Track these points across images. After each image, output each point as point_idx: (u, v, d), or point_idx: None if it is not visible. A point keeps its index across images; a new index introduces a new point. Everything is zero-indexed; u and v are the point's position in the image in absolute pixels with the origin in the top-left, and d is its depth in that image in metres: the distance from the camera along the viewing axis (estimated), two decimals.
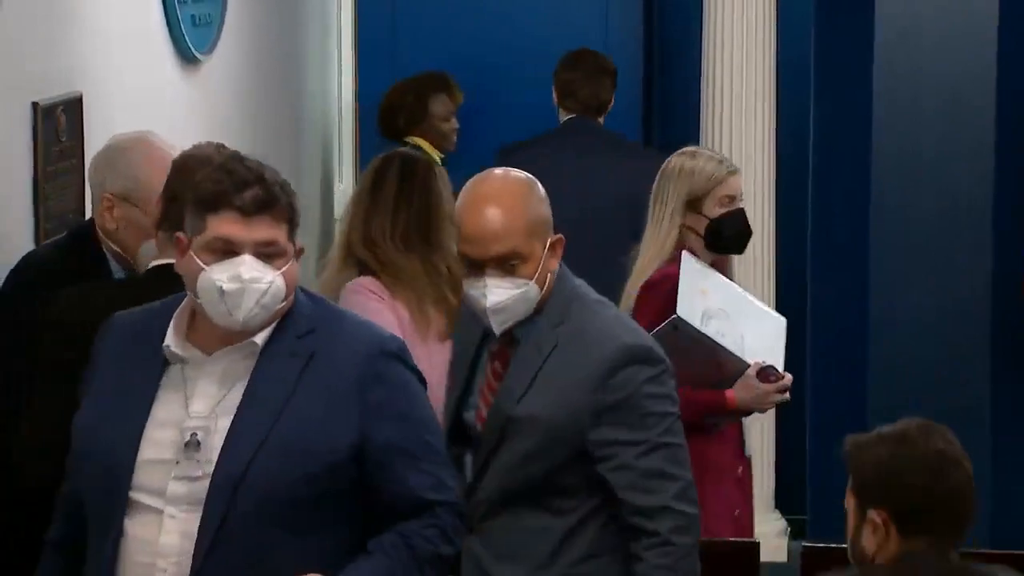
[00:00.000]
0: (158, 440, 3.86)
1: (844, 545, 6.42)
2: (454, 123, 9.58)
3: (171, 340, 3.91)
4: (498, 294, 4.80)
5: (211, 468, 3.83)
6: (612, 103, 9.18)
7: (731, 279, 6.91)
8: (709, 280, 6.73)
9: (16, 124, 6.19)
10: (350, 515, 4.02)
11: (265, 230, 3.83)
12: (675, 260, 6.75)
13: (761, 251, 9.13)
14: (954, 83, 9.06)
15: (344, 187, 9.95)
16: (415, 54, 10.22)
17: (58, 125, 6.43)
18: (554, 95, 9.21)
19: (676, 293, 6.52)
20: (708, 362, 6.59)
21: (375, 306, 6.61)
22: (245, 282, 3.77)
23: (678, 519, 4.94)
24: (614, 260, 8.35)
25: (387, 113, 9.59)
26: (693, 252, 6.68)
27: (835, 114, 9.49)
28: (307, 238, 9.24)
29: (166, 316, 4.02)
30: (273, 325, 3.93)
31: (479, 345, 5.19)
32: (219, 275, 3.78)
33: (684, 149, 7.06)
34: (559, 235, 4.94)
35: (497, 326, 4.84)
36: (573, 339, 4.88)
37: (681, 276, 6.59)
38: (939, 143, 9.03)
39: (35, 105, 6.26)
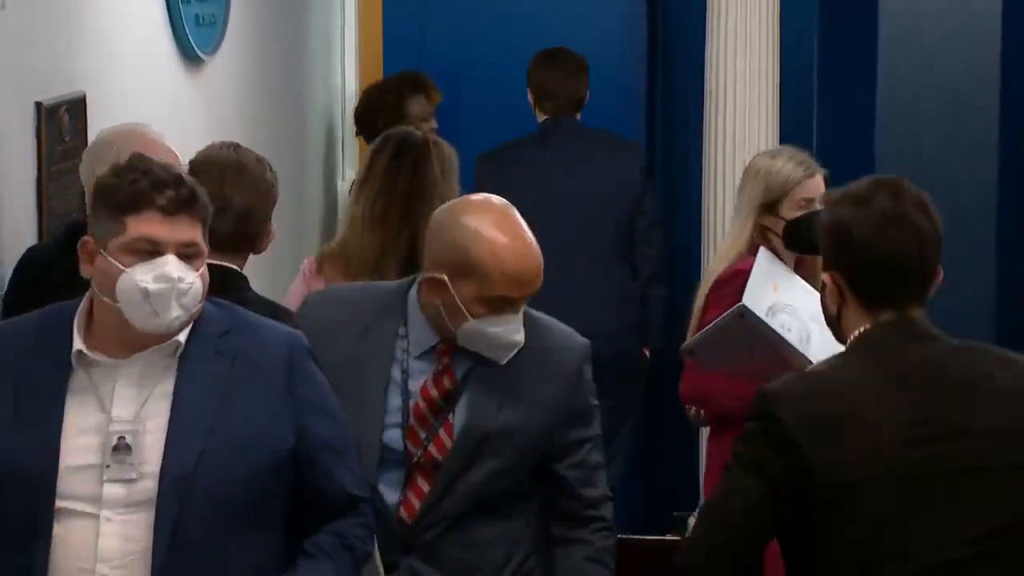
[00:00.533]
0: (80, 446, 3.77)
1: None
2: (432, 123, 9.43)
3: (81, 345, 3.81)
4: (520, 329, 4.76)
5: (148, 469, 3.75)
6: (587, 98, 9.15)
7: (815, 280, 6.63)
8: (782, 278, 6.60)
9: (19, 124, 6.20)
10: (287, 514, 3.97)
11: (186, 230, 3.77)
12: (747, 258, 6.64)
13: None
14: (956, 84, 9.23)
15: (346, 184, 9.76)
16: (442, 51, 10.19)
17: (61, 125, 6.42)
18: (530, 96, 9.20)
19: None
20: (769, 355, 6.31)
21: (294, 285, 6.84)
22: (173, 281, 3.69)
23: (611, 503, 5.11)
24: (602, 257, 8.31)
25: (365, 114, 9.54)
26: (776, 252, 6.61)
27: (838, 117, 9.51)
28: (310, 234, 9.28)
29: (56, 324, 3.91)
30: (188, 329, 3.84)
31: (388, 367, 5.04)
32: (142, 276, 3.68)
33: (768, 149, 7.03)
34: None
35: (504, 358, 4.77)
36: (531, 348, 4.81)
37: (754, 269, 6.47)
38: (941, 145, 9.18)
39: (39, 105, 6.27)
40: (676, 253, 9.37)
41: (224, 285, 5.01)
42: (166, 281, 3.66)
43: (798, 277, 6.62)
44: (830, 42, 9.53)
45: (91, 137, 6.42)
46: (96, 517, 3.68)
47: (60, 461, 3.75)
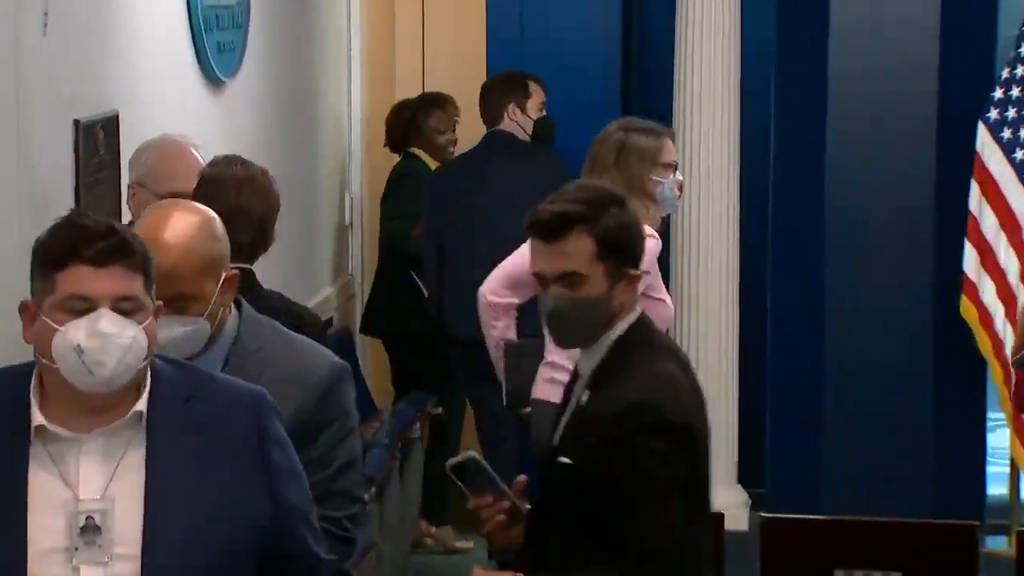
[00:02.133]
0: (46, 527, 3.37)
1: (800, 516, 6.68)
2: (451, 136, 9.65)
3: (41, 419, 3.39)
4: (169, 328, 4.08)
5: (123, 551, 3.35)
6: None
7: None
8: None
9: (60, 139, 6.16)
10: None
11: (120, 281, 3.33)
12: None
13: (726, 248, 9.32)
14: (898, 102, 9.26)
15: (353, 196, 10.08)
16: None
17: (96, 140, 6.41)
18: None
19: None
20: None
21: None
22: (106, 336, 3.29)
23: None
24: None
25: (389, 128, 9.75)
26: None
27: (792, 129, 9.59)
28: (320, 240, 9.46)
29: (9, 394, 3.51)
30: (146, 395, 3.43)
31: None
32: (74, 333, 3.29)
33: None
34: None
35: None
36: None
37: None
38: (887, 157, 9.25)
39: (76, 123, 6.24)
40: None
41: (242, 288, 5.02)
42: (99, 337, 3.29)
43: None
44: (785, 67, 9.57)
45: (123, 152, 6.56)
46: None
47: (29, 544, 3.37)
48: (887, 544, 6.19)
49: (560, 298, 4.40)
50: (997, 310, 8.56)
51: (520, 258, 6.55)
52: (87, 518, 3.33)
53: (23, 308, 3.47)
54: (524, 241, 8.18)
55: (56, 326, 3.31)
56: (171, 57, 7.38)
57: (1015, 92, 8.51)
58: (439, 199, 8.95)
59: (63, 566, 3.32)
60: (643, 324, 4.56)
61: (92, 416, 3.39)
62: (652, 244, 6.52)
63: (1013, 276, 8.46)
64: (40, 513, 3.37)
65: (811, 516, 6.74)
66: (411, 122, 9.70)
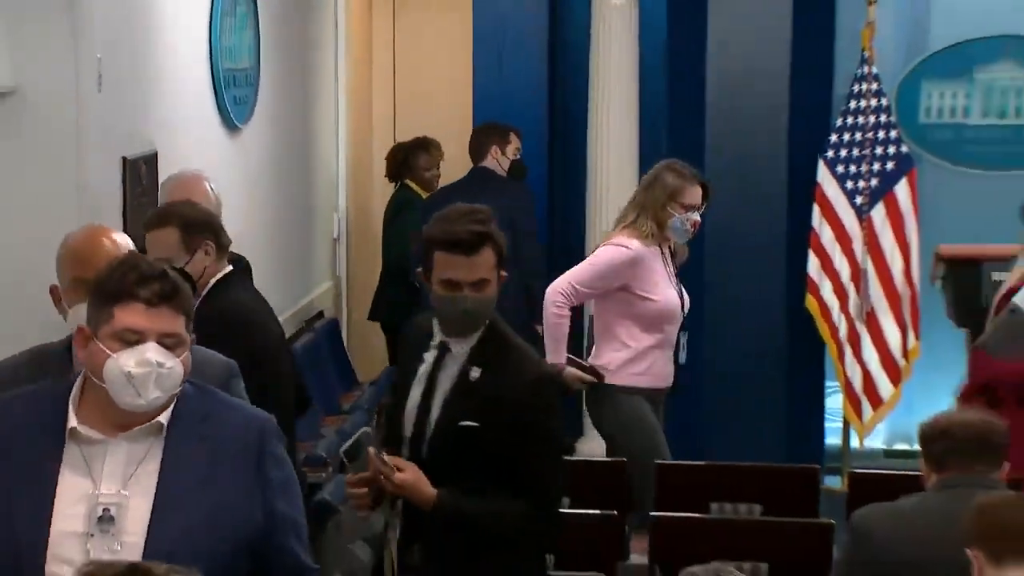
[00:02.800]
0: (69, 514, 3.24)
1: (686, 462, 6.58)
2: (435, 171, 9.59)
3: (74, 423, 3.27)
4: None
5: (130, 540, 3.21)
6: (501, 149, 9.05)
7: None
8: None
9: (111, 172, 6.17)
10: None
11: (168, 321, 3.23)
12: None
13: None
14: (757, 141, 9.17)
15: (340, 215, 9.97)
16: None
17: (140, 173, 6.39)
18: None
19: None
20: None
21: None
22: (153, 366, 3.19)
23: None
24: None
25: (388, 164, 9.72)
26: None
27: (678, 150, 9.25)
28: (315, 254, 9.39)
29: (51, 401, 3.36)
30: (171, 408, 3.32)
31: None
32: (126, 361, 3.18)
33: None
34: None
35: None
36: None
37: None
38: (751, 184, 9.16)
39: (124, 159, 6.26)
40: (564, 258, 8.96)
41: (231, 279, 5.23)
42: (147, 366, 3.18)
43: None
44: (675, 115, 9.36)
45: (160, 183, 6.39)
46: None
47: (52, 526, 3.25)
48: (750, 483, 6.24)
49: (474, 300, 4.36)
50: (834, 304, 8.59)
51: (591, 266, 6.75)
52: (104, 509, 3.20)
53: (78, 331, 3.34)
54: None
55: (110, 352, 3.20)
56: (198, 107, 7.35)
57: (846, 137, 8.55)
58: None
59: (79, 548, 3.18)
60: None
61: (120, 424, 3.27)
62: (623, 253, 6.62)
63: (845, 278, 8.50)
64: (65, 502, 3.24)
65: (695, 462, 6.87)
66: (404, 161, 9.65)
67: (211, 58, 7.44)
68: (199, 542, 3.18)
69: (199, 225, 5.25)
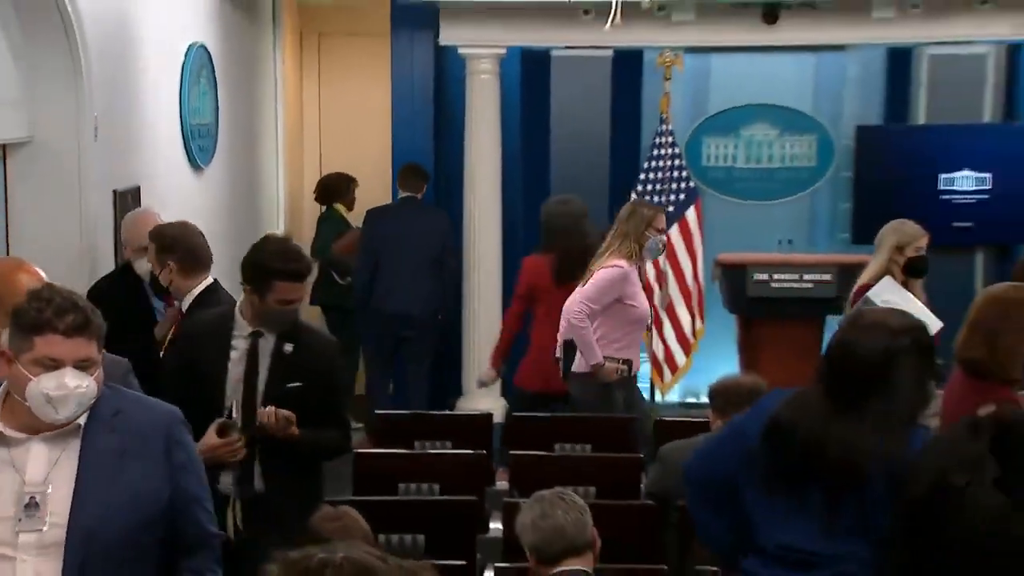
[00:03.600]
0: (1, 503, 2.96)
1: (532, 415, 6.44)
2: (352, 197, 9.34)
3: (1, 427, 2.99)
4: None
5: (56, 520, 2.94)
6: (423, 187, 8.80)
7: (920, 294, 6.22)
8: (896, 292, 6.11)
9: (105, 202, 6.10)
10: (161, 553, 3.11)
11: (82, 348, 2.93)
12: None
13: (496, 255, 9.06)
14: (584, 179, 8.97)
15: (280, 231, 9.48)
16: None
17: (127, 202, 6.29)
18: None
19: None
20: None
21: None
22: (70, 390, 2.91)
23: None
24: (427, 271, 8.36)
25: (320, 192, 9.44)
26: (894, 276, 6.25)
27: (529, 198, 9.15)
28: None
29: None
30: (86, 412, 3.01)
31: None
32: (47, 384, 2.91)
33: (898, 220, 6.50)
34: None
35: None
36: None
37: (878, 284, 6.16)
38: (587, 200, 8.93)
39: (115, 192, 6.19)
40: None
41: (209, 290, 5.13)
42: (65, 388, 2.90)
43: (907, 291, 6.16)
44: (528, 161, 9.29)
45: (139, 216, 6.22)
46: (13, 559, 2.92)
47: None
48: (584, 429, 6.19)
49: (294, 310, 4.55)
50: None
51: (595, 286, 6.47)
52: (30, 497, 2.94)
53: (2, 355, 2.99)
54: (421, 257, 8.26)
55: (31, 376, 2.91)
56: (172, 152, 7.25)
57: (651, 176, 8.53)
58: (375, 229, 8.64)
59: (10, 531, 2.92)
60: None
61: (42, 427, 2.99)
62: (618, 272, 6.47)
63: (652, 278, 8.41)
64: None
65: (541, 414, 6.69)
66: (334, 190, 9.38)
67: (181, 116, 7.34)
68: (115, 520, 2.95)
69: (165, 247, 5.18)
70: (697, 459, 3.56)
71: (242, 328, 4.51)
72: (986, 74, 9.00)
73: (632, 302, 6.56)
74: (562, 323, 6.57)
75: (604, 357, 6.51)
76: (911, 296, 6.16)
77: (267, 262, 4.46)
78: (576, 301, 6.54)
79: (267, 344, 4.49)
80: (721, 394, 4.91)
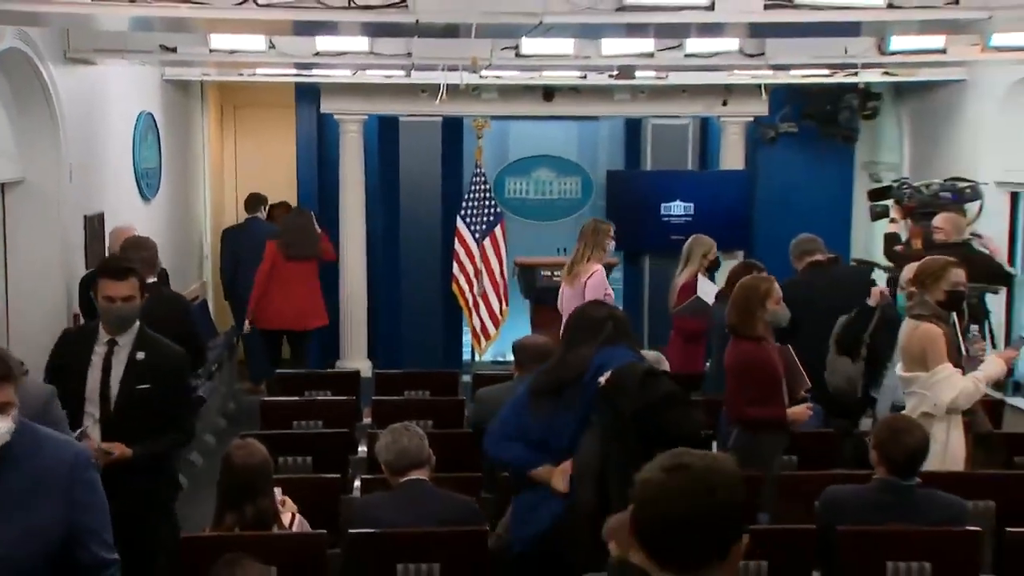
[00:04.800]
0: None
1: (389, 371, 6.39)
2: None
3: None
4: None
5: None
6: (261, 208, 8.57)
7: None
8: (708, 284, 6.19)
9: (77, 225, 5.97)
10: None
11: (3, 394, 2.37)
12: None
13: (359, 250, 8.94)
14: (419, 204, 9.00)
15: (206, 245, 9.37)
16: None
17: (95, 226, 6.14)
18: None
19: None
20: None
21: None
22: None
23: None
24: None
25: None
26: (701, 274, 6.23)
27: (387, 219, 9.20)
28: (193, 266, 8.92)
29: None
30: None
31: None
32: None
33: (696, 236, 6.51)
34: None
35: None
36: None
37: (699, 281, 6.18)
38: (422, 225, 8.98)
39: (85, 217, 6.05)
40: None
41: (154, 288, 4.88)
42: None
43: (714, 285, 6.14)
44: (385, 203, 9.16)
45: (107, 233, 6.24)
46: None
47: None
48: (425, 381, 6.13)
49: (129, 308, 3.88)
50: (466, 288, 8.38)
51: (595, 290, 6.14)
52: None
53: None
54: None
55: None
56: (127, 188, 7.08)
57: (470, 205, 8.47)
58: (234, 237, 8.60)
59: None
60: None
61: None
62: (600, 272, 6.36)
63: (471, 275, 8.37)
64: None
65: (397, 370, 6.66)
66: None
67: (134, 161, 7.16)
68: (14, 553, 2.37)
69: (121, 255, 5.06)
70: (497, 431, 3.55)
71: (102, 337, 3.91)
72: (688, 137, 9.22)
73: (609, 290, 6.46)
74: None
75: None
76: (715, 286, 6.22)
77: (98, 265, 4.05)
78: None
79: (122, 351, 3.89)
80: (521, 350, 4.85)
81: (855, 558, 3.39)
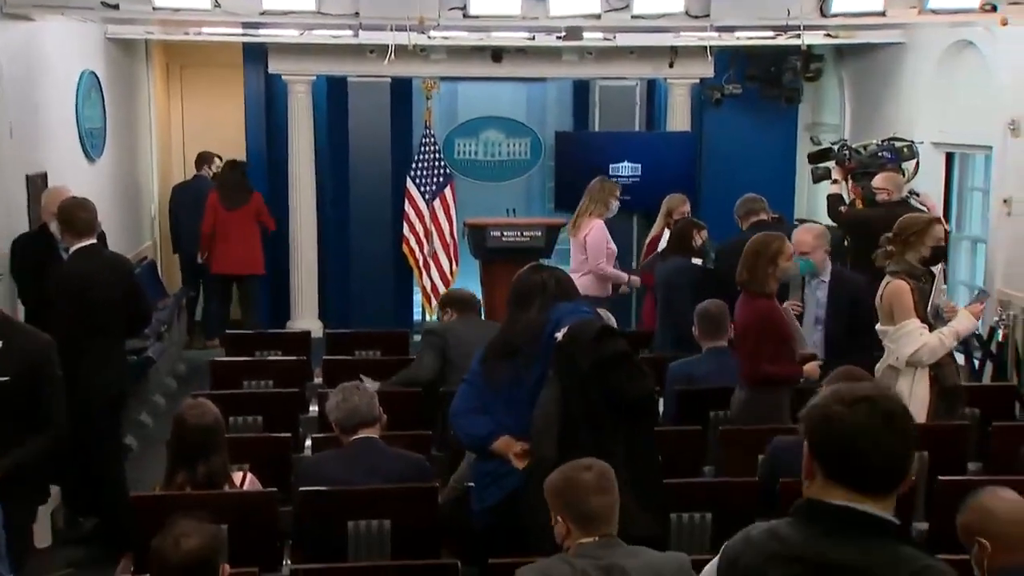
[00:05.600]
0: None
1: (338, 331, 6.34)
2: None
3: None
4: None
5: None
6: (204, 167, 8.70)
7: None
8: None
9: (19, 186, 5.84)
10: None
11: None
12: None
13: (311, 212, 8.87)
14: (372, 165, 8.84)
15: (153, 205, 9.18)
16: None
17: (37, 185, 5.98)
18: None
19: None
20: None
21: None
22: None
23: None
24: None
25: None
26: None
27: (334, 181, 9.07)
28: (142, 225, 8.76)
29: None
30: None
31: None
32: None
33: (669, 195, 6.69)
34: None
35: None
36: None
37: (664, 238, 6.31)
38: (371, 185, 8.88)
39: (27, 176, 5.92)
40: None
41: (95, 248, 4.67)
42: None
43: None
44: (334, 166, 9.10)
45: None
46: None
47: None
48: (379, 340, 6.15)
49: None
50: (416, 249, 8.46)
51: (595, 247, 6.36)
52: None
53: None
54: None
55: None
56: (72, 147, 6.93)
57: (420, 166, 8.52)
58: (180, 193, 8.73)
59: None
60: None
61: None
62: (600, 228, 6.46)
63: (422, 236, 8.41)
64: None
65: (351, 330, 6.68)
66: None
67: (78, 122, 6.99)
68: None
69: (60, 217, 4.82)
70: (459, 406, 3.49)
71: None
72: (636, 99, 9.20)
73: (611, 245, 6.63)
74: (585, 279, 6.28)
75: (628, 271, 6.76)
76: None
77: None
78: (595, 259, 6.52)
79: None
80: (448, 301, 5.04)
81: None
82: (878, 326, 4.38)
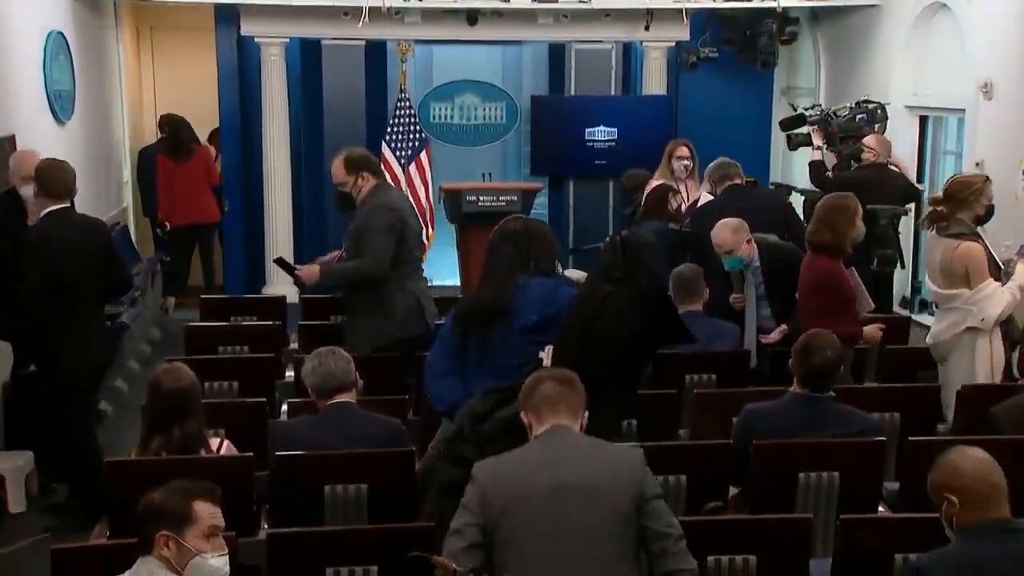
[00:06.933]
0: None
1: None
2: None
3: None
4: None
5: None
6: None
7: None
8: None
9: None
10: None
11: None
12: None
13: (285, 187, 8.80)
14: (348, 127, 8.55)
15: (125, 179, 9.05)
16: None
17: (4, 148, 5.83)
18: None
19: None
20: None
21: None
22: None
23: None
24: None
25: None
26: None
27: (310, 144, 9.01)
28: (113, 189, 8.70)
29: None
30: None
31: None
32: None
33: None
34: None
35: None
36: None
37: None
38: None
39: None
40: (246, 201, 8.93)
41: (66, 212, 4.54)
42: None
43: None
44: (308, 129, 8.96)
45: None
46: None
47: None
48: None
49: None
50: None
51: None
52: None
53: None
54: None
55: None
56: (40, 110, 6.82)
57: (396, 130, 8.48)
58: (143, 157, 8.81)
59: None
60: None
61: None
62: (662, 184, 6.15)
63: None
64: None
65: (322, 295, 6.46)
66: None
67: (45, 84, 6.84)
68: None
69: (37, 178, 4.69)
70: (433, 368, 3.50)
71: None
72: (611, 62, 9.11)
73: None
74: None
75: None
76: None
77: None
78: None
79: None
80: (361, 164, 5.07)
81: (769, 470, 3.43)
82: (940, 289, 4.37)
